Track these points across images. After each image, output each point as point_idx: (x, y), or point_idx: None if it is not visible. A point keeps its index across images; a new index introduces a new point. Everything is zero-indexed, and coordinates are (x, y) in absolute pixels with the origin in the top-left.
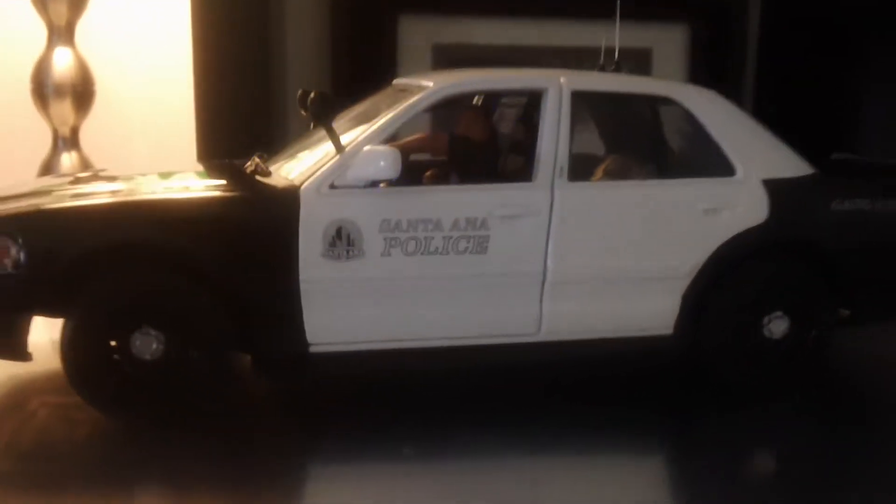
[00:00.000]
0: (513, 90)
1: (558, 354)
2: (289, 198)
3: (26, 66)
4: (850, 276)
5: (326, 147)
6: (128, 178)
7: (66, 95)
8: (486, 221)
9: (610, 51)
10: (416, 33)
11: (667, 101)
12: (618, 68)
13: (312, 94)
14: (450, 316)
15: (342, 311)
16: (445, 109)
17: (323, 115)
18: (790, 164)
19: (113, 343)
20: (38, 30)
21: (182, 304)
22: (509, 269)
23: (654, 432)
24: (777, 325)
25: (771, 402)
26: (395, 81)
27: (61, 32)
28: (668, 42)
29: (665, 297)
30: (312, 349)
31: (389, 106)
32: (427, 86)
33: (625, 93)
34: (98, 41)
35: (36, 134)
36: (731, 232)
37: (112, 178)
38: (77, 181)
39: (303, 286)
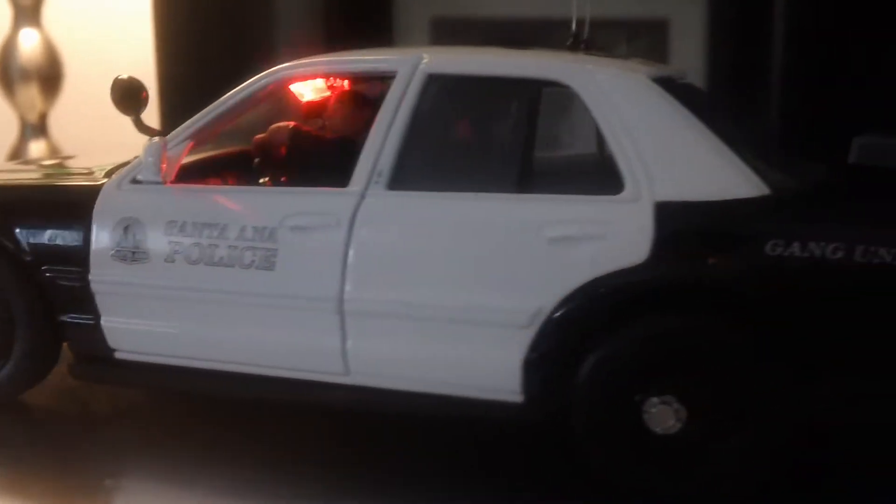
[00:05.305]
0: (361, 72)
1: (375, 405)
2: (88, 190)
3: None
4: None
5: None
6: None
7: (33, 79)
8: (274, 232)
9: (581, 23)
10: (414, 4)
11: (556, 86)
12: (588, 45)
13: (113, 81)
14: (245, 340)
15: (134, 318)
16: None
17: (125, 103)
18: (722, 182)
19: None
20: (2, 10)
21: None
22: (299, 292)
23: None
24: (661, 416)
25: None
26: None
27: (27, 13)
28: (688, 12)
29: (503, 351)
30: (117, 355)
31: None
32: None
33: (496, 76)
34: (66, 22)
35: (1, 121)
36: (593, 272)
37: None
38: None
39: (94, 286)
